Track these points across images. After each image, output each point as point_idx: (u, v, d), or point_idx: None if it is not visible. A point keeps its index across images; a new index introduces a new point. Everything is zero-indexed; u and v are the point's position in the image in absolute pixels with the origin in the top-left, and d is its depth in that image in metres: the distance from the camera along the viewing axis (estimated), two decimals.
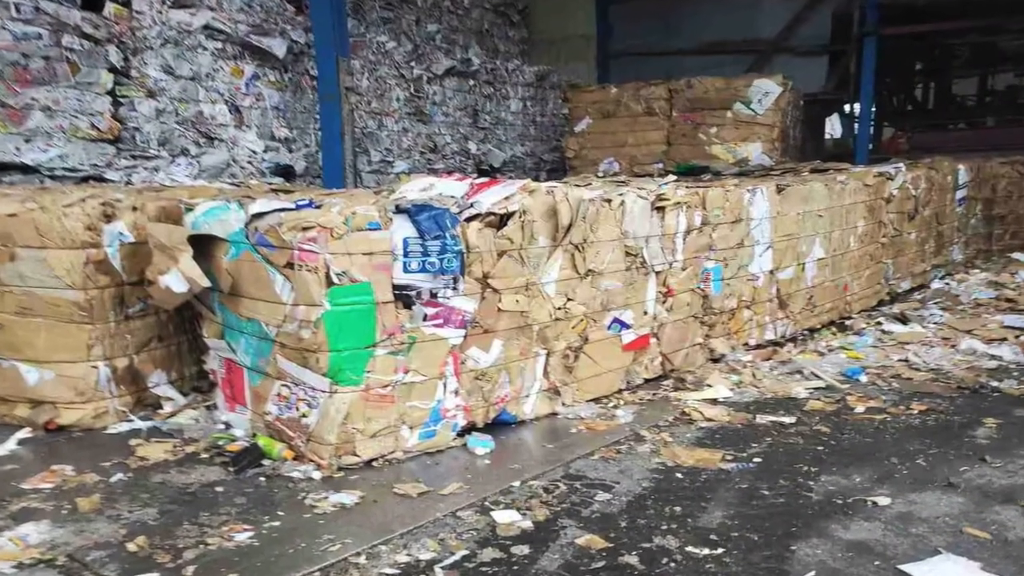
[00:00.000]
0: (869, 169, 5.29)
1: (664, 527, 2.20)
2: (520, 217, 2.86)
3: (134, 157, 5.37)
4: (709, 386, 3.51)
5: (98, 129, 5.11)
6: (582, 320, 3.20)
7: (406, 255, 2.59)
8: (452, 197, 2.82)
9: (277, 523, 2.23)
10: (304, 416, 2.61)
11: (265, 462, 2.63)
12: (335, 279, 2.47)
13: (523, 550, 2.08)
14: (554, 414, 3.15)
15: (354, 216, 2.51)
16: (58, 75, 4.89)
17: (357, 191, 4.33)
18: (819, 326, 4.61)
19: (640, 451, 2.79)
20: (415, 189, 2.93)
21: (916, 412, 3.20)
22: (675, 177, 4.36)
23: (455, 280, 2.70)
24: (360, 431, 2.59)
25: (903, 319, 4.81)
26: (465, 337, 2.79)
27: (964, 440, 2.88)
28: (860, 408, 3.25)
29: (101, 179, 5.11)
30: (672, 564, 2.01)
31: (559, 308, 3.10)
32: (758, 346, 4.15)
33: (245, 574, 1.98)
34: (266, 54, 6.28)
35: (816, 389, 3.52)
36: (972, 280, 6.07)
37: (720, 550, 2.07)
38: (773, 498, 2.40)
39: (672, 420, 3.12)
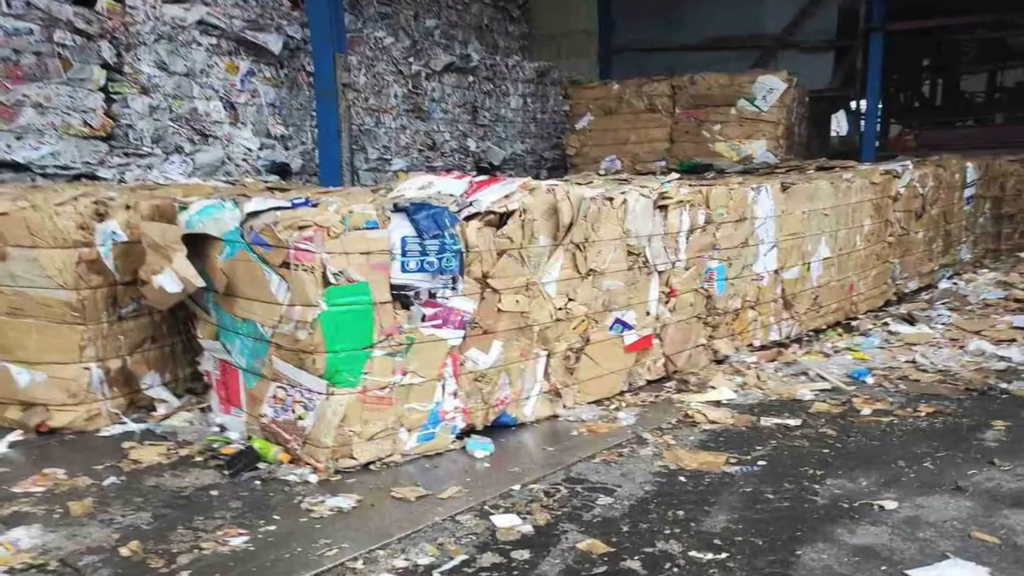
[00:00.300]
0: (876, 167, 5.27)
1: (667, 531, 2.18)
2: (520, 216, 2.84)
3: (127, 155, 5.34)
4: (713, 388, 3.49)
5: (90, 126, 5.07)
6: (583, 321, 3.17)
7: (404, 254, 2.57)
8: (451, 195, 2.80)
9: (273, 527, 2.21)
10: (300, 418, 2.59)
11: (260, 465, 2.61)
12: (332, 279, 2.45)
13: (523, 555, 2.06)
14: (555, 416, 3.13)
15: (351, 215, 2.49)
16: (50, 71, 4.85)
17: (354, 189, 4.30)
18: (825, 327, 4.59)
19: (642, 454, 2.77)
20: (413, 187, 2.91)
21: (923, 414, 3.18)
22: (678, 175, 4.35)
23: (454, 280, 2.68)
24: (357, 434, 2.57)
25: (910, 320, 4.78)
26: (464, 338, 2.76)
27: (972, 443, 2.85)
28: (866, 410, 3.23)
29: (93, 177, 5.07)
30: (675, 569, 1.98)
31: (560, 308, 3.07)
32: (762, 347, 4.13)
33: None
34: (262, 50, 6.23)
35: (821, 391, 3.50)
36: (980, 280, 6.04)
37: (724, 555, 2.05)
38: (778, 502, 2.38)
39: (675, 422, 3.10)
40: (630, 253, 3.32)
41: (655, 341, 3.54)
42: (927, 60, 13.50)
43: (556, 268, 3.02)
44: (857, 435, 2.95)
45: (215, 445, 2.77)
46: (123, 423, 3.01)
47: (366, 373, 2.55)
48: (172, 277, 2.69)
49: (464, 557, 2.04)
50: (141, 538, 2.13)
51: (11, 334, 2.94)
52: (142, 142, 5.42)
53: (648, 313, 3.47)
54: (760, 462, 2.68)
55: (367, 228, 2.50)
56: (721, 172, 6.38)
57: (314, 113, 6.60)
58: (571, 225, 3.01)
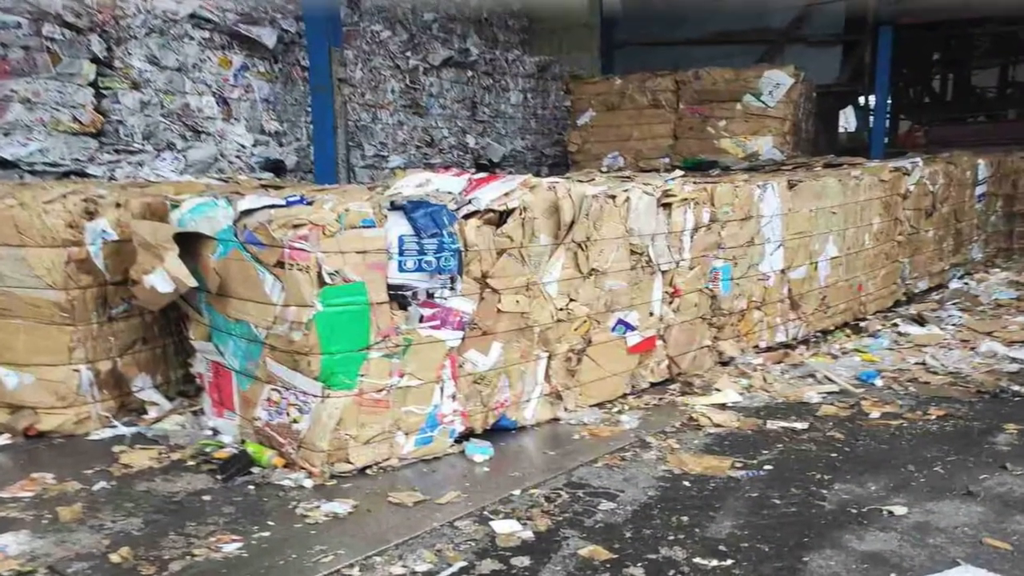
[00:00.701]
0: (885, 164, 5.28)
1: (671, 537, 2.17)
2: (520, 214, 2.82)
3: (117, 151, 5.29)
4: (718, 390, 3.48)
5: (80, 122, 5.01)
6: (585, 321, 3.15)
7: (402, 254, 2.54)
8: (449, 193, 2.77)
9: (267, 533, 2.20)
10: (295, 421, 2.57)
11: (254, 470, 2.59)
12: (327, 279, 2.43)
13: (523, 561, 2.04)
14: (556, 420, 3.12)
15: (347, 213, 2.47)
16: (38, 66, 4.79)
17: (350, 187, 4.28)
18: (832, 328, 4.58)
19: (646, 458, 2.76)
20: (411, 185, 2.89)
21: (934, 417, 3.16)
22: (682, 172, 4.37)
23: (452, 280, 2.65)
24: (353, 437, 2.54)
25: (920, 320, 4.76)
26: (463, 339, 2.74)
27: (984, 447, 2.84)
28: (875, 413, 3.21)
29: (83, 174, 5.03)
30: None
31: (561, 309, 3.05)
32: (769, 348, 4.12)
33: None
34: (255, 44, 6.18)
35: (829, 393, 3.48)
36: (992, 280, 6.04)
37: (729, 561, 2.03)
38: (784, 507, 2.36)
39: (679, 426, 3.09)
40: (633, 252, 3.30)
41: (659, 342, 3.52)
42: (937, 54, 13.40)
43: (557, 268, 3.00)
44: (866, 439, 2.93)
45: (208, 449, 2.75)
46: (113, 426, 2.99)
47: (362, 375, 2.53)
48: (164, 277, 2.67)
49: (463, 564, 2.03)
50: (132, 544, 2.12)
51: None
52: (133, 138, 5.37)
53: (651, 314, 3.45)
54: (766, 466, 2.67)
55: (363, 227, 2.48)
56: (726, 169, 6.36)
57: (309, 109, 6.54)
58: (572, 224, 2.99)
